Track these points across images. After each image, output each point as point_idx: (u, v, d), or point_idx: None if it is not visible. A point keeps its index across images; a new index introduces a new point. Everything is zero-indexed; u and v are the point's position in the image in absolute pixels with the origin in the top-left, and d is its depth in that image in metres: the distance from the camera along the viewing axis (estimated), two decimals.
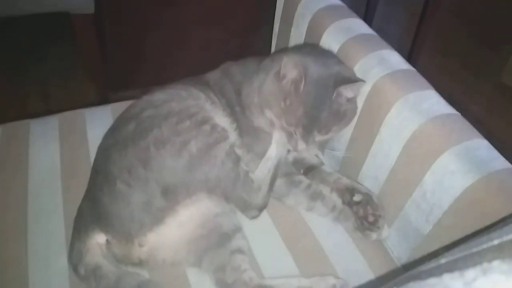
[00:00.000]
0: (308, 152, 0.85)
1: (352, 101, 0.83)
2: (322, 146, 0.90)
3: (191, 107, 0.80)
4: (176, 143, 0.74)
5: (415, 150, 0.75)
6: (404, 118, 0.76)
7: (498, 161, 0.68)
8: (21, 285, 0.72)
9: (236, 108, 0.88)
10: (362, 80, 0.81)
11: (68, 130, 0.99)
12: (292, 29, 1.06)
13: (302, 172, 0.90)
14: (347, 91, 0.80)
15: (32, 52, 1.82)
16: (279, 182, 0.85)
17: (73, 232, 0.76)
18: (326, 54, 0.89)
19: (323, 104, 0.79)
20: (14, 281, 0.73)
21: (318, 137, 0.83)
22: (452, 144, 0.70)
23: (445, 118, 0.74)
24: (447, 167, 0.69)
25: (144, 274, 0.75)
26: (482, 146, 0.70)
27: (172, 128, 0.76)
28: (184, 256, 0.76)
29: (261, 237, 0.82)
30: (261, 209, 0.80)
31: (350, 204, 0.84)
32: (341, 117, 0.82)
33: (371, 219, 0.81)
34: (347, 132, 0.90)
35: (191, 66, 1.02)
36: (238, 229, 0.79)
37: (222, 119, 0.83)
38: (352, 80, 0.81)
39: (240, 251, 0.76)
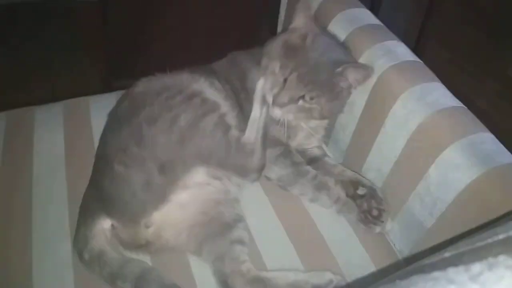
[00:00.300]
0: (284, 114, 0.81)
1: (349, 90, 0.83)
2: (300, 114, 0.83)
3: (183, 81, 0.80)
4: (167, 119, 0.74)
5: (420, 143, 0.74)
6: (410, 110, 0.76)
7: (504, 155, 0.68)
8: (24, 271, 0.73)
9: (241, 95, 0.87)
10: (371, 67, 0.80)
11: (72, 117, 0.99)
12: None
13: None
14: (352, 75, 0.79)
15: (36, 38, 1.81)
16: (286, 171, 0.85)
17: (79, 218, 0.77)
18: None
19: (325, 68, 0.78)
20: (18, 267, 0.74)
21: (304, 100, 0.79)
22: (457, 137, 0.69)
23: (451, 111, 0.73)
24: (451, 160, 0.69)
25: (147, 261, 0.75)
26: (487, 140, 0.70)
27: (163, 103, 0.76)
28: (185, 240, 0.76)
29: (264, 227, 0.82)
30: (259, 170, 0.80)
31: (354, 197, 0.83)
32: (333, 95, 0.81)
33: (375, 213, 0.80)
34: (352, 123, 0.89)
35: (196, 55, 1.01)
36: (240, 219, 0.79)
37: (216, 96, 0.82)
38: (362, 65, 0.80)
39: (240, 241, 0.76)
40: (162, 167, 0.72)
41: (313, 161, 0.91)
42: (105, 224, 0.74)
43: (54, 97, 1.06)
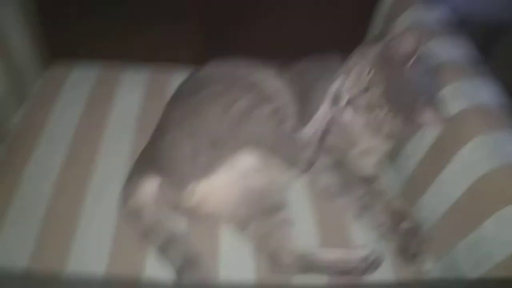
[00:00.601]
0: (356, 117, 0.79)
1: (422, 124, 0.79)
2: (370, 125, 0.80)
3: (248, 69, 0.85)
4: (225, 101, 0.77)
5: (480, 193, 0.69)
6: (478, 156, 0.71)
7: None
8: (74, 205, 0.81)
9: (303, 102, 0.87)
10: (445, 119, 0.76)
11: (155, 81, 1.07)
12: None
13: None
14: (427, 114, 0.76)
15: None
16: (336, 181, 0.84)
17: (133, 168, 0.83)
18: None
19: (412, 93, 0.76)
20: (70, 205, 0.81)
21: (381, 112, 0.77)
22: None
23: None
24: (509, 220, 0.63)
25: (183, 222, 0.79)
26: None
27: (224, 86, 0.80)
28: (231, 213, 0.79)
29: (301, 228, 0.81)
30: (309, 164, 0.80)
31: (396, 229, 0.80)
32: (408, 121, 0.78)
33: (412, 252, 0.77)
34: (418, 154, 0.85)
35: (282, 49, 1.02)
36: (286, 206, 0.81)
37: (276, 89, 0.84)
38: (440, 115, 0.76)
39: (288, 224, 0.78)
40: (214, 141, 0.76)
41: (364, 180, 0.88)
42: (154, 180, 0.79)
43: (148, 58, 1.12)
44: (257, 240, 0.77)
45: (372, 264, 0.75)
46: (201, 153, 0.75)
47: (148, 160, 0.82)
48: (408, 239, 0.78)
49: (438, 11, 0.97)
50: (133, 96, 1.02)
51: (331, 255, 0.76)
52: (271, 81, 0.86)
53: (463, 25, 0.94)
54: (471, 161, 0.72)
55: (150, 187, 0.79)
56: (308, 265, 0.75)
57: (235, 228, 0.79)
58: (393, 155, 0.94)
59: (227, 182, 0.77)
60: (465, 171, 0.73)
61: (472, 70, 0.83)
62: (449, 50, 0.87)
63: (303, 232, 0.80)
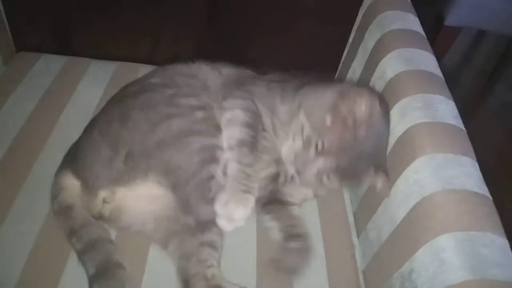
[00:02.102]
0: (299, 183, 0.76)
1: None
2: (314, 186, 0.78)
3: (197, 87, 0.78)
4: (160, 113, 0.72)
5: (418, 219, 0.63)
6: (421, 178, 0.64)
7: (506, 270, 0.53)
8: (5, 200, 0.77)
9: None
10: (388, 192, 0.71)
11: (118, 79, 1.02)
12: (361, 46, 0.95)
13: (263, 202, 0.81)
14: (378, 183, 0.72)
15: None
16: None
17: (61, 163, 0.78)
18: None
19: (363, 161, 0.72)
20: (3, 192, 0.79)
21: (327, 177, 0.73)
22: (458, 228, 0.57)
23: (467, 196, 0.60)
24: (441, 252, 0.57)
25: (112, 232, 0.75)
26: (495, 245, 0.55)
27: (166, 97, 0.74)
28: (152, 230, 0.74)
29: (237, 240, 0.76)
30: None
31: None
32: (353, 182, 0.78)
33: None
34: None
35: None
36: (215, 224, 0.74)
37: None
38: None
39: (211, 245, 0.72)
40: (129, 154, 0.71)
41: (274, 202, 0.81)
42: (74, 180, 0.75)
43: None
44: (177, 260, 0.71)
45: None
46: (112, 162, 0.71)
47: (71, 155, 0.78)
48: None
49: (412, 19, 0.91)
50: (92, 93, 0.99)
51: None
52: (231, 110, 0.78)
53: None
54: (413, 182, 0.65)
55: (74, 186, 0.74)
56: None
57: (159, 245, 0.74)
58: None
59: (150, 197, 0.73)
60: (408, 192, 0.66)
61: (433, 84, 0.76)
62: (415, 59, 0.80)
63: (237, 249, 0.75)
